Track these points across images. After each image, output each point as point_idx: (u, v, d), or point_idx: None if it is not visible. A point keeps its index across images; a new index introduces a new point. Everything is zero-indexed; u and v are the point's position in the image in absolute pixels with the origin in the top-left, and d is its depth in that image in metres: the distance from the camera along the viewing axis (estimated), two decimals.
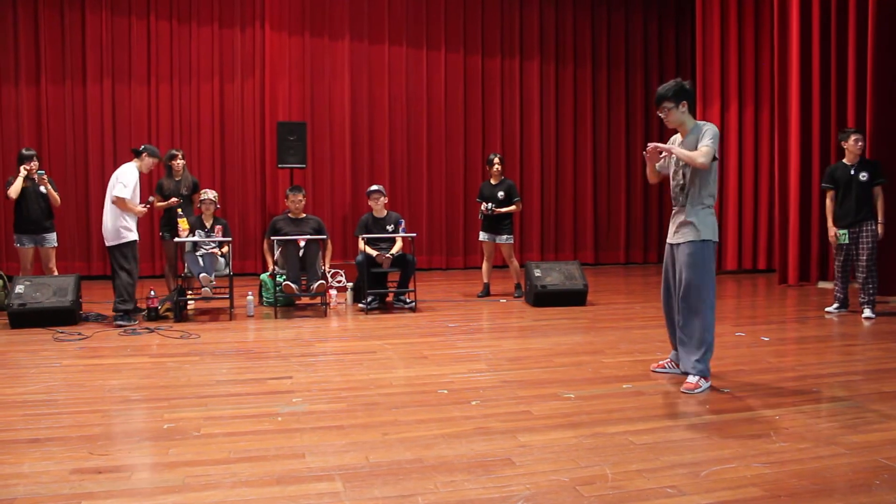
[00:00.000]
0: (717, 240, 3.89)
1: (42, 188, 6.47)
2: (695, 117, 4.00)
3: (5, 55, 8.79)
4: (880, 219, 6.11)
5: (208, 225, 6.70)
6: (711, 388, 3.91)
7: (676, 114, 3.91)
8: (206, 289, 6.32)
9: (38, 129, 8.92)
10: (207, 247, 6.65)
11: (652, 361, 4.50)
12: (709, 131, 3.84)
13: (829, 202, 6.40)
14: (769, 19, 9.12)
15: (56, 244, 6.69)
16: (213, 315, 6.49)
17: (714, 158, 3.80)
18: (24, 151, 6.61)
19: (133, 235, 6.12)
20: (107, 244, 6.20)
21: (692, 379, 3.88)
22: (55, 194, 6.54)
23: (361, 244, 6.85)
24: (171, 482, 2.64)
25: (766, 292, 8.13)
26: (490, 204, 7.24)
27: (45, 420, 3.40)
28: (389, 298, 7.14)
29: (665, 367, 4.28)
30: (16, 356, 4.81)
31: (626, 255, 11.37)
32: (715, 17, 9.54)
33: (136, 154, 6.30)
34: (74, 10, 8.98)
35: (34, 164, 6.47)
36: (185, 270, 6.48)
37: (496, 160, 7.36)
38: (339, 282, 7.72)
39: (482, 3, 10.54)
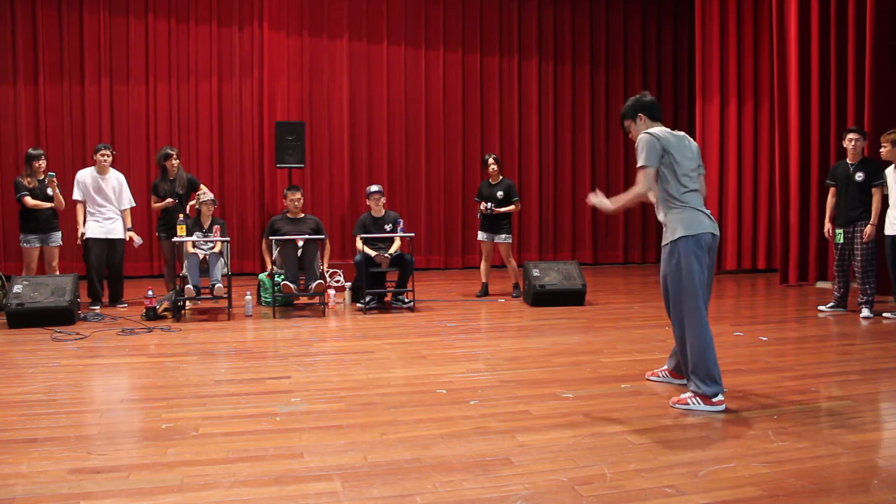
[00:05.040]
0: (695, 233, 3.51)
1: (49, 190, 6.49)
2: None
3: (3, 55, 8.77)
4: (872, 219, 6.10)
5: (206, 225, 6.70)
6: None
7: (638, 128, 3.72)
8: (219, 285, 6.32)
9: (36, 128, 8.91)
10: (206, 247, 6.65)
11: (651, 361, 4.50)
12: (639, 144, 3.57)
13: (829, 199, 6.50)
14: (768, 16, 9.11)
15: (61, 243, 6.73)
16: (211, 315, 6.49)
17: (646, 166, 3.52)
18: (31, 151, 6.66)
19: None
20: None
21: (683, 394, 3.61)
22: (61, 198, 6.56)
23: (360, 244, 6.85)
24: (169, 482, 2.64)
25: (766, 292, 8.13)
26: (489, 204, 7.24)
27: (44, 420, 3.39)
28: (388, 298, 7.14)
29: (658, 376, 4.10)
30: (14, 356, 4.80)
31: (624, 254, 11.38)
32: (714, 13, 9.54)
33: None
34: (72, 9, 8.97)
35: (43, 163, 6.63)
36: (184, 271, 6.47)
37: (491, 160, 7.37)
38: (338, 281, 7.72)
39: (480, 2, 10.53)
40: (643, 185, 3.56)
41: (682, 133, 3.76)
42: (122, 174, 7.12)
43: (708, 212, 3.65)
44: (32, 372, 4.36)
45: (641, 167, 3.57)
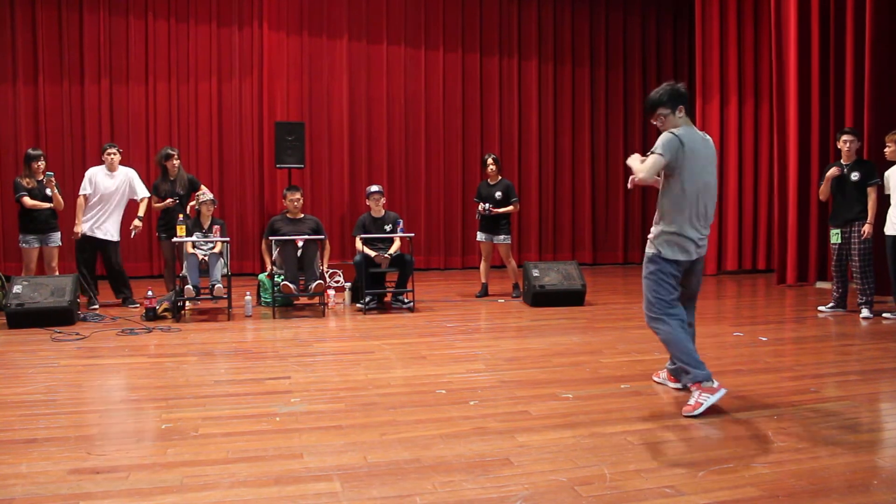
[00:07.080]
0: (673, 259, 3.58)
1: (48, 190, 6.50)
2: (693, 121, 3.63)
3: (3, 55, 8.75)
4: (869, 218, 6.11)
5: (206, 225, 6.70)
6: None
7: (674, 120, 3.49)
8: (219, 286, 6.32)
9: (35, 128, 8.90)
10: (206, 247, 6.65)
11: (650, 361, 4.51)
12: (663, 138, 3.45)
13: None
14: (768, 16, 9.09)
15: (60, 243, 6.73)
16: (211, 315, 6.49)
17: (660, 171, 3.46)
18: (30, 151, 6.66)
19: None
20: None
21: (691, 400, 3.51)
22: (59, 198, 6.56)
23: (359, 244, 6.85)
24: (168, 482, 2.64)
25: (765, 292, 8.13)
26: (487, 204, 7.24)
27: (44, 420, 3.39)
28: (387, 298, 7.14)
29: (659, 377, 4.08)
30: (14, 356, 4.80)
31: (624, 255, 11.37)
32: (714, 13, 9.53)
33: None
34: (72, 9, 8.96)
35: (42, 163, 6.62)
36: (183, 271, 6.46)
37: (490, 161, 7.37)
38: (337, 282, 7.72)
39: (480, 2, 10.53)
40: (646, 173, 3.42)
41: (707, 137, 3.61)
42: (133, 169, 7.14)
43: (700, 235, 3.59)
44: (32, 372, 4.36)
45: (654, 153, 3.41)
